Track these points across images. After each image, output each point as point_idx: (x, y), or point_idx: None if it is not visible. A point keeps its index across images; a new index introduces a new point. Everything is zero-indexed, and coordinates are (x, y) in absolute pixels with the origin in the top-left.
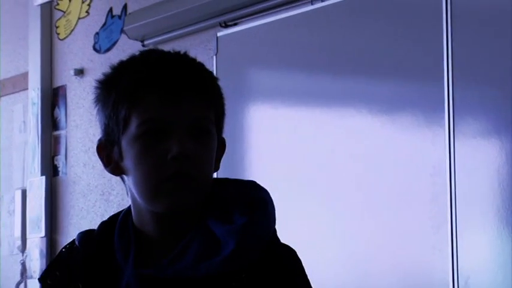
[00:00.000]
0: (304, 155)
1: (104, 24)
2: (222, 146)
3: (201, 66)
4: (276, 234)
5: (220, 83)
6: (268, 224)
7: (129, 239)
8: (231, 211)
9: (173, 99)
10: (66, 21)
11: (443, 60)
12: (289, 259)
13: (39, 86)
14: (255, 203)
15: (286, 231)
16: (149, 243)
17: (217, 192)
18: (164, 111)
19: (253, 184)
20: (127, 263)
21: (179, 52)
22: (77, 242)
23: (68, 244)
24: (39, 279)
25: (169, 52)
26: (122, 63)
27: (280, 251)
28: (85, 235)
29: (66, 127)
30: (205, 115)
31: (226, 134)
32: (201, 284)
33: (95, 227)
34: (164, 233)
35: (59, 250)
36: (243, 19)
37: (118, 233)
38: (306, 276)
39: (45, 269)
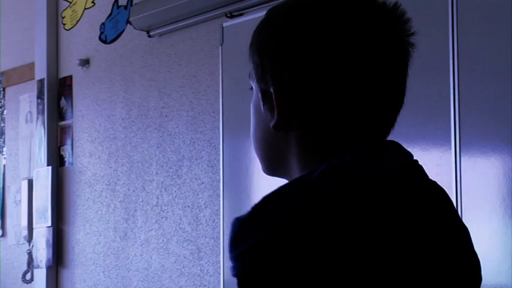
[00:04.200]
0: None
1: (110, 14)
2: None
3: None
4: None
5: (226, 74)
6: (257, 215)
7: None
8: None
9: None
10: (72, 11)
11: (449, 57)
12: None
13: (45, 76)
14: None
15: None
16: None
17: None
18: None
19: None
20: None
21: None
22: None
23: None
24: None
25: None
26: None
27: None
28: None
29: (72, 117)
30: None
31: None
32: None
33: (101, 217)
34: None
35: (65, 240)
36: (249, 9)
37: None
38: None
39: None
